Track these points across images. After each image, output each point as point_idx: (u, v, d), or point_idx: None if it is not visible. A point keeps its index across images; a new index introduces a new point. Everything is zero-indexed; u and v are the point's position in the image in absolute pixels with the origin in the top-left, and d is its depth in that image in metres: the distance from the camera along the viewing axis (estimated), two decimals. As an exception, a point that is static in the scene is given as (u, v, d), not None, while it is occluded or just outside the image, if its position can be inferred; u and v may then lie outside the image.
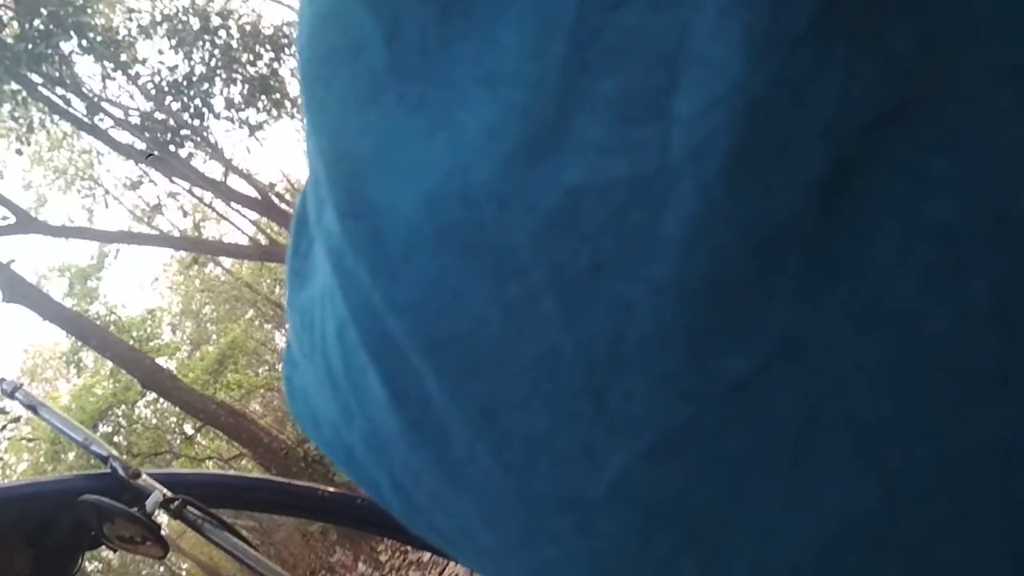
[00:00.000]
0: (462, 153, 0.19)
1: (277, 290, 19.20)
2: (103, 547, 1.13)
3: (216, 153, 10.40)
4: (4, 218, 8.58)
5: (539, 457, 0.20)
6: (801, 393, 0.17)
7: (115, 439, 14.54)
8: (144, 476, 1.05)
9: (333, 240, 0.23)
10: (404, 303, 0.21)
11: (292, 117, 13.30)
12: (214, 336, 19.37)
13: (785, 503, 0.17)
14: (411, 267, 0.20)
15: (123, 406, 14.96)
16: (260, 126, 10.64)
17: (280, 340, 21.47)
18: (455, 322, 0.20)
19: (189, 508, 1.02)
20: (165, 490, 1.02)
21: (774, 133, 0.16)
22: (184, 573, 18.35)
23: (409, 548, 7.02)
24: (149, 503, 1.00)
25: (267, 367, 19.71)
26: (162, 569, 18.35)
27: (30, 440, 15.68)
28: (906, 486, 0.16)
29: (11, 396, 1.09)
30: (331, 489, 1.45)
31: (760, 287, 0.16)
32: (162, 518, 1.04)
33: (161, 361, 12.12)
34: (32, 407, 1.09)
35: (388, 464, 0.25)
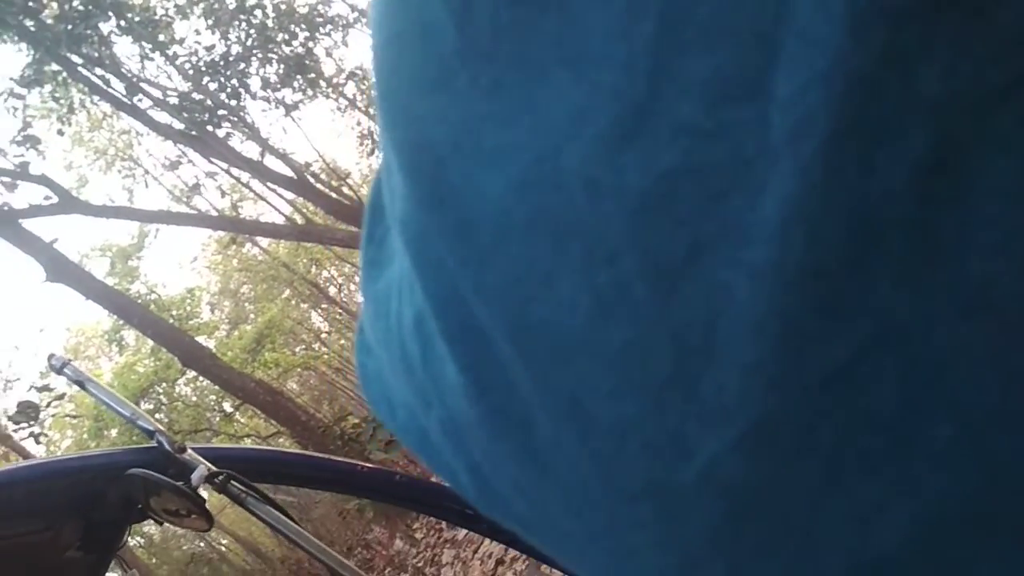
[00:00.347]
0: (549, 137, 0.18)
1: (313, 270, 19.37)
2: (148, 521, 1.15)
3: (253, 133, 10.49)
4: (47, 198, 8.73)
5: (626, 445, 0.19)
6: (900, 380, 0.16)
7: (156, 416, 14.83)
8: (189, 451, 1.06)
9: (413, 229, 0.23)
10: (493, 290, 0.20)
11: (327, 97, 13.36)
12: (252, 315, 19.63)
13: (881, 493, 0.17)
14: (501, 254, 0.20)
15: (164, 384, 15.27)
16: (296, 106, 10.72)
17: (316, 320, 21.70)
18: (544, 309, 0.19)
19: (233, 482, 1.04)
20: (210, 465, 1.04)
21: (876, 111, 0.15)
22: (224, 548, 18.71)
23: (444, 526, 7.09)
24: (195, 477, 1.01)
25: (304, 346, 19.97)
26: (203, 544, 18.74)
27: (74, 417, 16.06)
28: (1011, 475, 0.16)
29: (60, 372, 1.11)
30: (370, 465, 1.47)
31: (860, 271, 0.16)
32: (206, 493, 1.05)
33: (200, 340, 12.30)
34: (80, 382, 1.11)
35: (466, 451, 0.25)
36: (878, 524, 0.17)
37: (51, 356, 1.13)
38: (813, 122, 0.15)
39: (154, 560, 17.54)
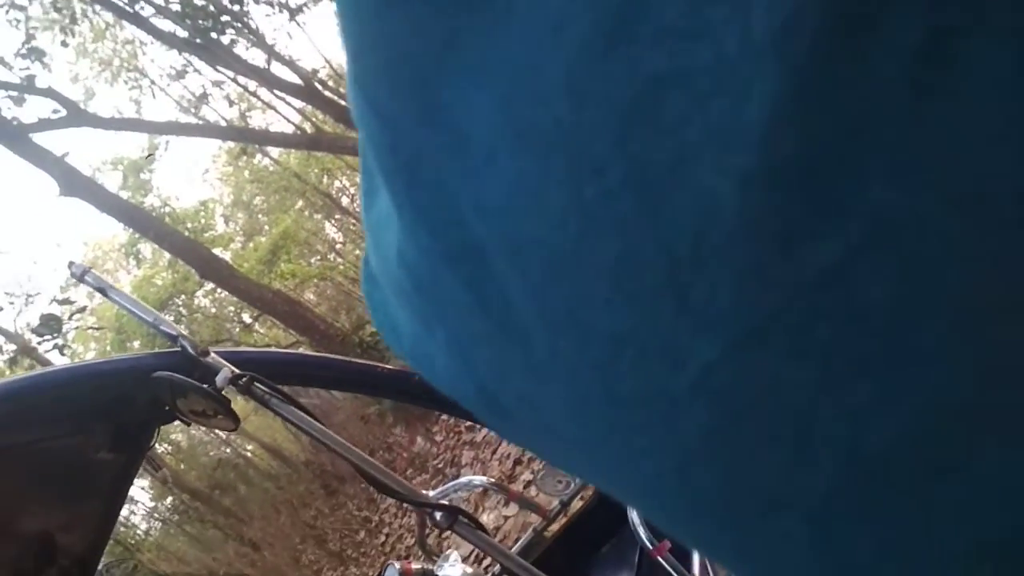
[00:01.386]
0: (531, 47, 0.18)
1: (325, 180, 19.28)
2: (176, 426, 1.18)
3: (258, 40, 10.28)
4: (55, 111, 8.67)
5: (621, 355, 0.19)
6: (894, 278, 0.16)
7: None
8: (212, 354, 1.09)
9: (405, 151, 0.22)
10: (489, 206, 0.20)
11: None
12: (266, 227, 19.67)
13: (878, 391, 0.17)
14: (494, 170, 0.20)
15: (183, 296, 15.46)
16: (300, 9, 10.47)
17: (330, 230, 21.74)
18: (536, 225, 0.19)
19: (256, 384, 1.06)
20: (233, 368, 1.06)
21: (868, 3, 0.15)
22: (249, 453, 19.29)
23: (463, 429, 7.26)
24: (219, 379, 1.04)
25: (319, 257, 20.06)
26: (228, 451, 19.31)
27: (97, 329, 16.34)
28: (1006, 370, 0.16)
29: (81, 279, 1.13)
30: (389, 367, 1.50)
31: (852, 169, 0.15)
32: (230, 396, 1.08)
33: (216, 252, 12.38)
34: (101, 289, 1.13)
35: (471, 368, 0.25)
36: (873, 422, 0.17)
37: (71, 264, 1.14)
38: (801, 18, 0.15)
39: (182, 466, 18.10)
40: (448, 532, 1.16)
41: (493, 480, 1.63)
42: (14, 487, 1.21)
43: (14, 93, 8.43)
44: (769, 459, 0.18)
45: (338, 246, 21.68)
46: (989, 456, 0.16)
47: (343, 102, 11.14)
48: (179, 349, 1.09)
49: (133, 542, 14.56)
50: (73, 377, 1.10)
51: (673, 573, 1.23)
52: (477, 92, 0.19)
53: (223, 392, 1.04)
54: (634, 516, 1.26)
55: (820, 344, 0.17)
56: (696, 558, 1.29)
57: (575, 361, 0.21)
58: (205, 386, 1.02)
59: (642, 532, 1.25)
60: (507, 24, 0.18)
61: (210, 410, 1.05)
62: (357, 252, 21.03)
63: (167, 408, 1.09)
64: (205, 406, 1.05)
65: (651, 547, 1.23)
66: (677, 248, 0.17)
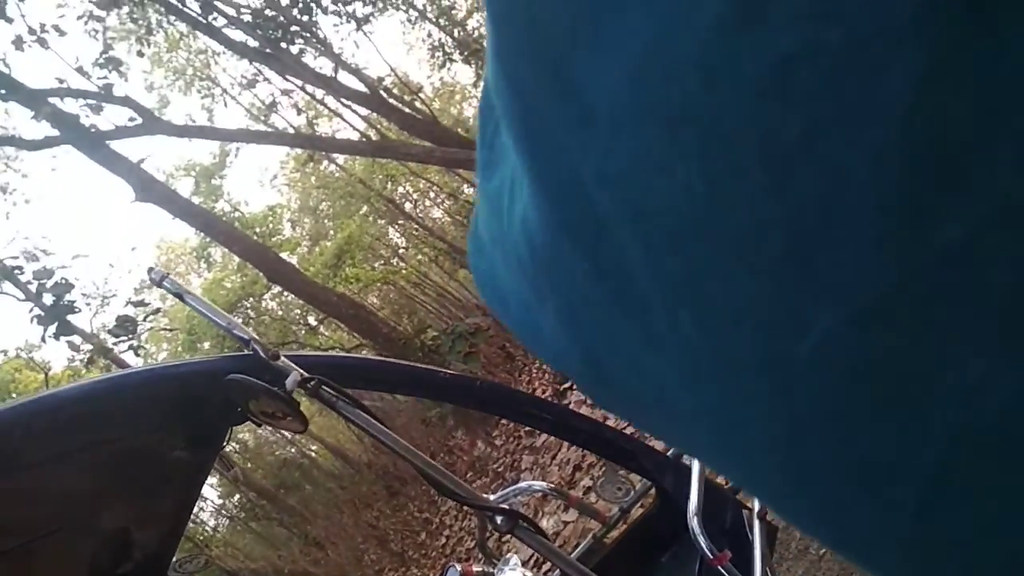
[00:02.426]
0: (664, 24, 0.19)
1: (389, 186, 19.53)
2: (245, 427, 1.22)
3: (326, 49, 10.50)
4: (131, 119, 8.98)
5: (742, 323, 0.20)
6: (1013, 261, 0.16)
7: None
8: (283, 358, 1.12)
9: (532, 121, 0.23)
10: (613, 177, 0.21)
11: (398, 9, 13.20)
12: (331, 231, 20.00)
13: (992, 367, 0.17)
14: (620, 141, 0.21)
15: (251, 299, 15.83)
16: (366, 19, 10.65)
17: (393, 235, 21.99)
18: (662, 195, 0.20)
19: (324, 387, 1.09)
20: (302, 371, 1.09)
21: None
22: (313, 454, 19.62)
23: (523, 434, 7.27)
24: (288, 382, 1.07)
25: (382, 261, 20.32)
26: (293, 450, 19.68)
27: (169, 330, 16.83)
28: None
29: (159, 284, 1.17)
30: (451, 372, 1.52)
31: (984, 150, 0.16)
32: (299, 399, 1.11)
33: (283, 256, 12.65)
34: (178, 294, 1.17)
35: (581, 337, 0.26)
36: (986, 400, 0.17)
37: (151, 270, 1.18)
38: (945, 1, 0.15)
39: (249, 464, 18.52)
40: (508, 536, 1.18)
41: (553, 485, 1.64)
42: (96, 483, 1.26)
43: (92, 101, 8.77)
44: (881, 431, 0.19)
45: (401, 251, 21.93)
46: None
47: (407, 110, 11.28)
48: (251, 352, 1.12)
49: (202, 538, 14.93)
50: (151, 379, 1.14)
51: (734, 582, 1.22)
52: (607, 67, 0.20)
53: (292, 395, 1.07)
54: (695, 525, 1.26)
55: (939, 320, 0.17)
56: (757, 565, 1.28)
57: (692, 330, 0.21)
58: (275, 389, 1.05)
59: (703, 541, 1.24)
60: (641, 1, 0.19)
61: (280, 412, 1.08)
62: (419, 257, 21.23)
63: (239, 410, 1.12)
64: (275, 408, 1.08)
65: (712, 556, 1.23)
66: (805, 219, 0.18)
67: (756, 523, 1.38)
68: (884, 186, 0.17)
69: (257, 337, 1.14)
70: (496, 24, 0.24)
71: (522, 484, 1.62)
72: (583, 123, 0.21)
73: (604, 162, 0.21)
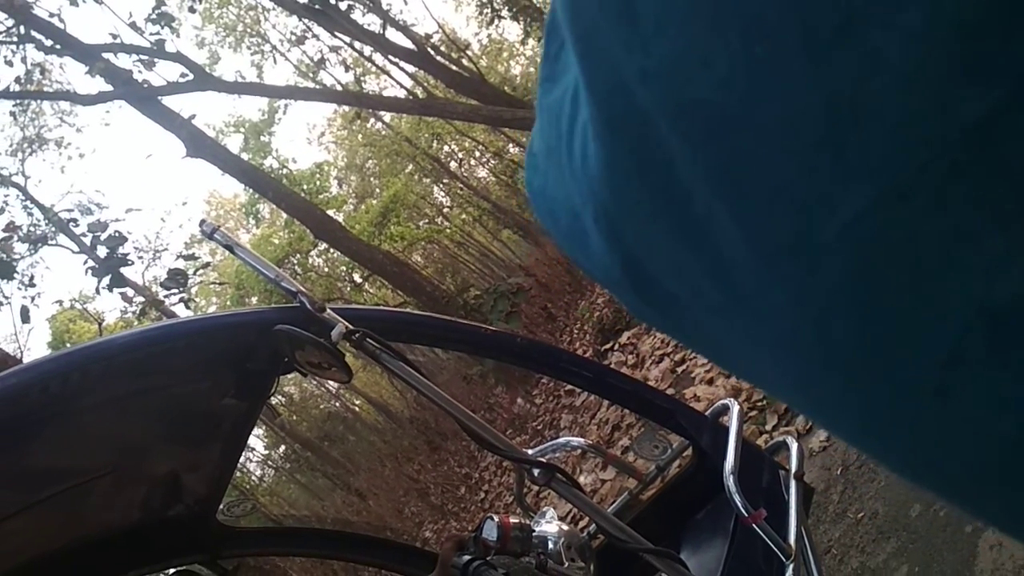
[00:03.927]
0: None
1: (435, 144, 19.54)
2: (294, 372, 1.26)
3: (374, 5, 10.46)
4: (183, 75, 9.07)
5: (775, 206, 0.21)
6: None
7: (292, 285, 15.57)
8: (328, 311, 1.15)
9: (582, 24, 0.25)
10: (655, 72, 0.22)
11: (446, -35, 13.02)
12: (377, 190, 20.11)
13: (1008, 245, 0.18)
14: (663, 38, 0.22)
15: (298, 255, 16.02)
16: (415, -24, 10.53)
17: (438, 194, 22.04)
18: (703, 87, 0.21)
19: (368, 340, 1.12)
20: (347, 323, 1.12)
21: None
22: (357, 408, 19.97)
23: (562, 392, 7.31)
24: (334, 333, 1.10)
25: (427, 220, 20.40)
26: (337, 404, 20.05)
27: (219, 284, 17.17)
28: None
29: (210, 237, 1.21)
30: (495, 328, 1.54)
31: (1001, 31, 0.17)
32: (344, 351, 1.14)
33: (330, 213, 12.77)
34: (229, 246, 1.21)
35: (622, 238, 0.27)
36: (1004, 274, 0.18)
37: (202, 222, 1.22)
38: None
39: (295, 417, 18.93)
40: (545, 492, 1.20)
41: (591, 442, 1.67)
42: (147, 428, 1.31)
43: (145, 57, 8.87)
44: (904, 308, 0.20)
45: (445, 210, 21.99)
46: None
47: (454, 67, 11.23)
48: (298, 305, 1.16)
49: (248, 487, 15.35)
50: (203, 328, 1.18)
51: (768, 541, 1.23)
52: None
53: (337, 346, 1.10)
54: (730, 484, 1.27)
55: (961, 197, 0.18)
56: (792, 526, 1.29)
57: (728, 217, 0.23)
58: (321, 340, 1.09)
59: (738, 500, 1.25)
60: None
61: (325, 362, 1.12)
62: (463, 216, 21.26)
63: (286, 359, 1.16)
64: (321, 358, 1.11)
65: (746, 515, 1.24)
66: (839, 103, 0.19)
67: (793, 484, 1.39)
68: (913, 67, 0.17)
69: (304, 290, 1.17)
70: None
71: (560, 440, 1.65)
72: (628, 22, 0.23)
73: (646, 59, 0.22)
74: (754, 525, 1.22)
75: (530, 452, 1.42)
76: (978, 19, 0.17)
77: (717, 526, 1.44)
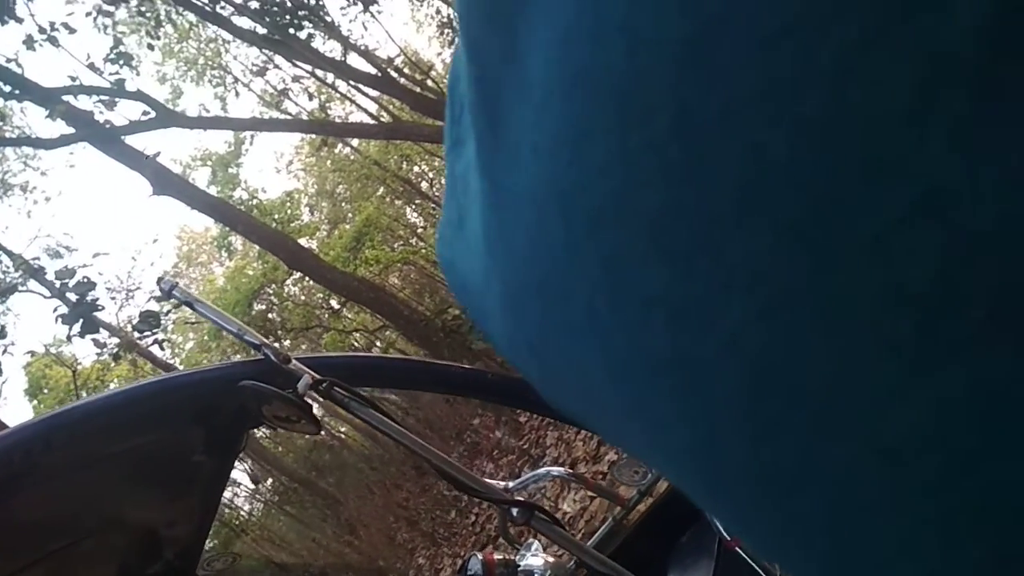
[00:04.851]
0: None
1: (404, 166, 19.52)
2: (263, 425, 1.24)
3: (334, 33, 10.46)
4: (145, 113, 9.02)
5: (654, 314, 0.19)
6: (937, 252, 0.15)
7: (269, 316, 15.54)
8: (294, 361, 1.13)
9: (487, 87, 0.23)
10: (543, 149, 0.20)
11: (404, -12, 13.08)
12: (349, 215, 20.06)
13: (902, 378, 0.16)
14: (549, 112, 0.20)
15: (273, 285, 15.92)
16: (374, 0, 10.59)
17: (411, 215, 22.03)
18: (581, 172, 0.19)
19: (336, 388, 1.10)
20: (313, 373, 1.10)
21: None
22: (343, 435, 19.84)
23: (547, 409, 7.30)
24: (300, 385, 1.08)
25: (401, 242, 20.35)
26: (323, 433, 19.90)
27: (193, 322, 17.00)
28: None
29: (169, 295, 1.19)
30: (465, 366, 1.53)
31: (914, 130, 0.14)
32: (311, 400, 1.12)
33: (303, 241, 12.73)
34: (188, 303, 1.19)
35: (523, 325, 0.25)
36: (895, 411, 0.16)
37: (159, 280, 1.20)
38: None
39: (280, 448, 18.74)
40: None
41: (571, 471, 1.65)
42: (124, 488, 1.29)
43: (106, 97, 8.82)
44: (792, 435, 0.18)
45: (419, 230, 21.95)
46: (1001, 458, 0.15)
47: (419, 89, 11.25)
48: (262, 357, 1.14)
49: (237, 523, 15.18)
50: (167, 388, 1.16)
51: (751, 562, 1.23)
52: (543, 29, 0.19)
53: (304, 398, 1.09)
54: (710, 507, 1.27)
55: (853, 317, 0.16)
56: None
57: (610, 321, 0.20)
58: (287, 393, 1.07)
59: (718, 523, 1.25)
60: None
61: (293, 416, 1.10)
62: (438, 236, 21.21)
63: (254, 414, 1.14)
64: (288, 412, 1.10)
65: (728, 538, 1.24)
66: (718, 203, 0.17)
67: (773, 503, 1.39)
68: (804, 168, 0.15)
69: (267, 342, 1.15)
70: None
71: (540, 471, 1.63)
72: (524, 90, 0.21)
73: (536, 133, 0.20)
74: (737, 548, 1.22)
75: (511, 485, 1.41)
76: (887, 114, 0.15)
77: (701, 549, 1.44)
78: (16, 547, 1.16)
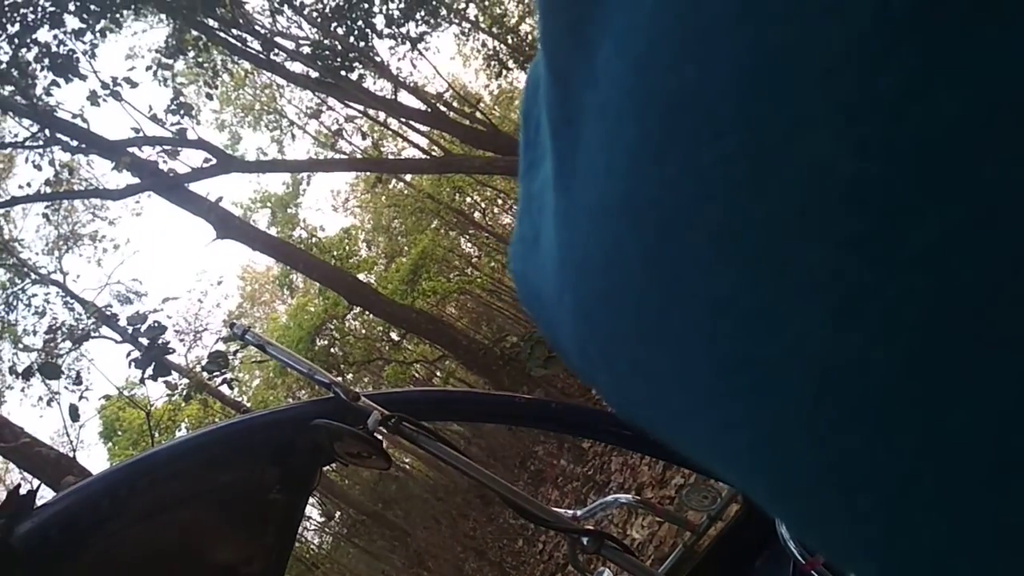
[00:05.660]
0: (665, 16, 0.20)
1: (457, 197, 19.73)
2: (335, 462, 1.27)
3: (383, 71, 10.69)
4: (206, 160, 9.32)
5: (722, 320, 0.20)
6: (990, 264, 0.16)
7: (331, 350, 15.76)
8: (363, 398, 1.16)
9: (570, 110, 0.25)
10: (617, 168, 0.22)
11: (451, 23, 13.35)
12: (405, 248, 20.31)
13: (964, 377, 0.17)
14: (623, 133, 0.22)
15: (334, 320, 16.17)
16: (421, 38, 10.80)
17: (465, 245, 22.21)
18: (653, 187, 0.21)
19: (405, 424, 1.13)
20: (383, 409, 1.13)
21: None
22: (408, 466, 19.95)
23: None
24: (370, 422, 1.11)
25: (457, 272, 20.52)
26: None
27: (260, 361, 17.35)
28: None
29: (242, 338, 1.24)
30: (527, 396, 1.55)
31: (967, 150, 0.16)
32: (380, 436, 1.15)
33: (361, 276, 12.92)
34: (260, 346, 1.23)
35: (595, 335, 0.27)
36: (958, 408, 0.17)
37: (232, 325, 1.25)
38: None
39: (346, 481, 18.92)
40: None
41: (639, 498, 1.65)
42: (204, 527, 1.33)
43: (168, 147, 9.13)
44: (852, 435, 0.19)
45: (474, 260, 22.12)
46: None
47: (468, 122, 11.39)
48: (332, 396, 1.17)
49: (308, 556, 15.32)
50: (244, 429, 1.20)
51: (828, 586, 1.21)
52: (617, 57, 0.21)
53: (374, 434, 1.12)
54: (783, 530, 1.25)
55: (910, 325, 0.17)
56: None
57: (680, 325, 0.22)
58: (358, 430, 1.10)
59: (792, 546, 1.23)
60: None
61: (364, 452, 1.13)
62: (492, 264, 21.37)
63: (326, 452, 1.18)
64: (359, 448, 1.13)
65: (803, 561, 1.22)
66: (783, 216, 0.18)
67: (848, 524, 1.36)
68: (867, 183, 0.16)
69: (337, 380, 1.19)
70: (539, 7, 0.25)
71: (608, 499, 1.63)
72: (602, 113, 0.22)
73: (611, 154, 0.22)
74: (813, 572, 1.20)
75: (579, 513, 1.41)
76: (943, 137, 0.16)
77: (776, 574, 1.42)
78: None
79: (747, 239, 0.19)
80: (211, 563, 1.43)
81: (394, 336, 17.72)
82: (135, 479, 1.08)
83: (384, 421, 1.13)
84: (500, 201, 21.47)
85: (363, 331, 19.10)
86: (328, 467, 1.34)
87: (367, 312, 15.21)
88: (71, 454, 5.20)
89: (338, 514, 18.16)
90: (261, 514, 1.36)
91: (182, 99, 9.61)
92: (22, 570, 1.01)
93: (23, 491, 1.00)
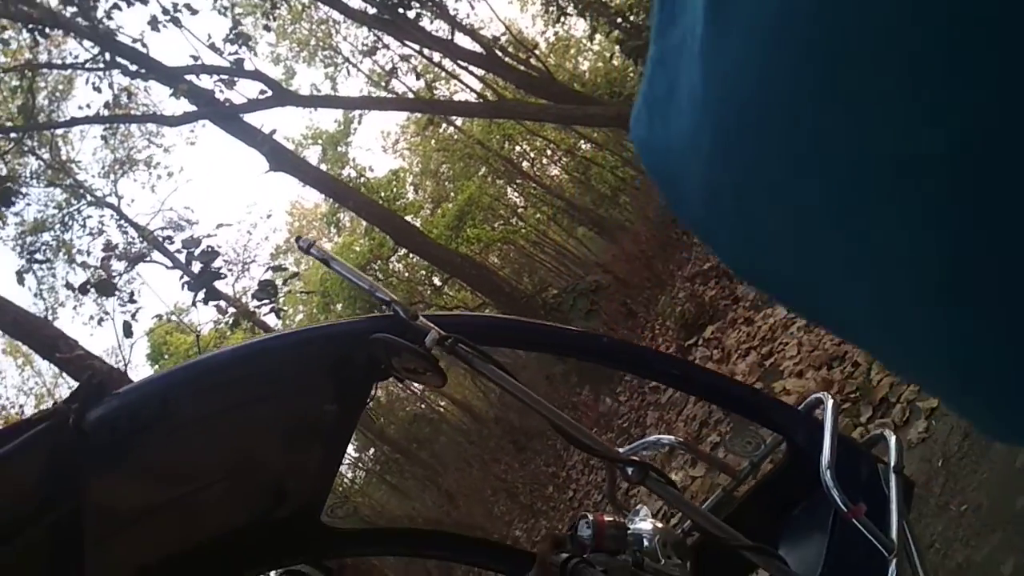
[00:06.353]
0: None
1: (506, 145, 19.62)
2: (390, 378, 1.30)
3: (442, 12, 10.59)
4: (262, 92, 9.37)
5: (887, 118, 0.23)
6: None
7: (374, 291, 15.86)
8: (421, 318, 1.19)
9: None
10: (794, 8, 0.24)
11: (511, -34, 13.09)
12: (452, 193, 20.32)
13: None
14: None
15: (379, 261, 16.32)
16: (481, -21, 10.65)
17: (512, 194, 22.14)
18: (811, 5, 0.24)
19: (460, 345, 1.15)
20: (440, 330, 1.15)
21: None
22: (442, 409, 20.22)
23: (647, 390, 7.26)
24: (428, 340, 1.13)
25: (502, 221, 20.51)
26: (423, 406, 20.33)
27: (306, 293, 17.63)
28: None
29: (307, 251, 1.26)
30: (580, 329, 1.57)
31: None
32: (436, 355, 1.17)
33: (408, 219, 12.99)
34: (325, 260, 1.26)
35: (733, 167, 0.29)
36: None
37: (299, 239, 1.27)
38: None
39: (382, 419, 19.25)
40: (635, 490, 1.21)
41: (681, 439, 1.67)
42: (254, 437, 1.38)
43: (225, 77, 9.19)
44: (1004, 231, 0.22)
45: (520, 210, 22.06)
46: None
47: (522, 68, 11.28)
48: (392, 314, 1.20)
49: (341, 489, 15.71)
50: (304, 340, 1.23)
51: (869, 536, 1.21)
52: None
53: (431, 352, 1.14)
54: (828, 478, 1.25)
55: None
56: (894, 521, 1.27)
57: (841, 130, 0.24)
58: (416, 346, 1.12)
59: (836, 495, 1.23)
60: None
61: (421, 368, 1.15)
62: (538, 216, 21.31)
63: (383, 366, 1.20)
64: (416, 364, 1.15)
65: (846, 510, 1.22)
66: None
67: (892, 477, 1.36)
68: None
69: (397, 299, 1.21)
70: None
71: (650, 438, 1.65)
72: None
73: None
74: (855, 520, 1.21)
75: (621, 451, 1.43)
76: None
77: (815, 522, 1.42)
78: (151, 488, 1.26)
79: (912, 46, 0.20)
80: (260, 471, 1.48)
81: (436, 281, 17.83)
82: (199, 378, 1.12)
83: (441, 341, 1.15)
84: (550, 152, 21.30)
85: (406, 274, 19.25)
86: (382, 382, 1.37)
87: (411, 255, 15.32)
88: (123, 370, 5.36)
89: (372, 450, 18.54)
90: (313, 425, 1.40)
91: (240, 29, 9.62)
92: (91, 454, 1.06)
93: (96, 380, 1.04)
